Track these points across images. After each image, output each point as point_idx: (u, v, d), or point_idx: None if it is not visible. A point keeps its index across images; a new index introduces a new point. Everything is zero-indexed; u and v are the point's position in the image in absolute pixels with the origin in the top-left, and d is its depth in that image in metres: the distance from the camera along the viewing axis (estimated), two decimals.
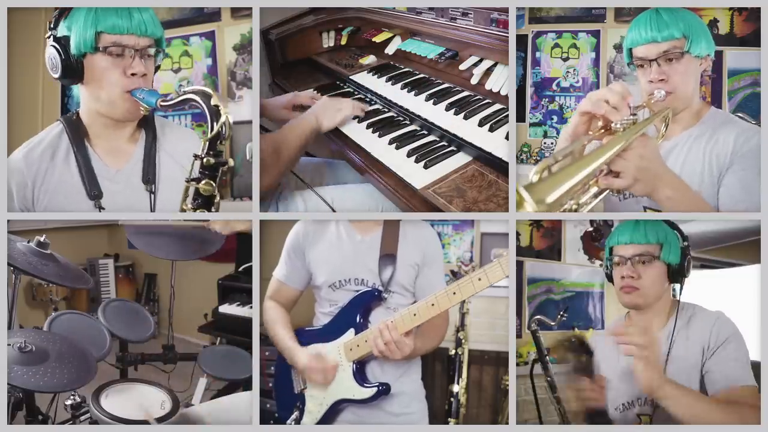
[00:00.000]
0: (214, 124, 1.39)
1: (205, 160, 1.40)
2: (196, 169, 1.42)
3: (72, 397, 1.72)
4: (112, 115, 1.55)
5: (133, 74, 1.48)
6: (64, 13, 1.49)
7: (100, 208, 1.56)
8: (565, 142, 1.47)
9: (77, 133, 1.57)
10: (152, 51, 1.52)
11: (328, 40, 2.45)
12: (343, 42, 2.46)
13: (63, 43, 1.47)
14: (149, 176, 1.61)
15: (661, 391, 1.33)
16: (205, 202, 1.43)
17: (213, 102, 1.40)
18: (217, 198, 1.44)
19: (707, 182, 1.58)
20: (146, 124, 1.65)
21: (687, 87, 1.58)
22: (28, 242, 1.74)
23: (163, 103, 1.45)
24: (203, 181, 1.41)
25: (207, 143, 1.41)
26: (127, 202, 1.60)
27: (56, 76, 1.50)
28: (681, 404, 1.34)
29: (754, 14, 2.09)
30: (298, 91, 2.11)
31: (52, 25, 1.50)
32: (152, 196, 1.61)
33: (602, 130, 1.38)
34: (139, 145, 1.64)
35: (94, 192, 1.55)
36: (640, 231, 1.54)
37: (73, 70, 1.48)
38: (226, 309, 2.68)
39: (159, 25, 1.54)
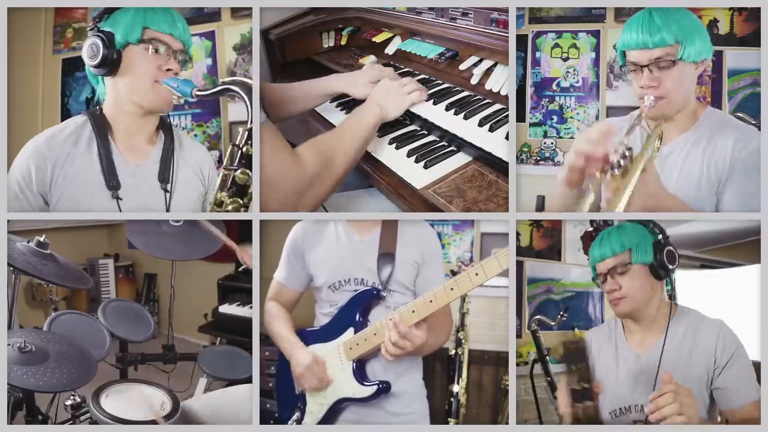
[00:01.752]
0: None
1: (245, 149, 1.47)
2: (235, 158, 1.48)
3: (72, 397, 1.72)
4: (142, 103, 1.61)
5: (168, 70, 1.58)
6: (105, 14, 1.59)
7: (118, 198, 1.61)
8: (561, 187, 1.44)
9: (102, 126, 1.64)
10: (183, 57, 1.62)
11: (328, 40, 2.45)
12: (343, 42, 2.46)
13: (107, 35, 1.55)
14: (165, 175, 1.67)
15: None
16: (239, 191, 1.49)
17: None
18: (251, 188, 1.51)
19: (705, 189, 1.56)
20: (164, 127, 1.72)
21: (679, 93, 1.55)
22: (28, 242, 1.74)
23: (198, 92, 1.52)
24: (240, 170, 1.48)
25: (246, 133, 1.48)
26: (142, 197, 1.65)
27: (93, 63, 1.57)
28: None
29: (754, 14, 2.09)
30: (382, 65, 2.02)
31: (97, 20, 1.59)
32: (167, 195, 1.67)
33: (601, 173, 1.34)
34: (157, 146, 1.70)
35: (112, 182, 1.61)
36: (607, 245, 1.55)
37: (111, 60, 1.56)
38: (226, 309, 2.68)
39: (190, 36, 1.64)
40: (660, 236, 1.53)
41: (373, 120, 1.72)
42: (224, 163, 1.50)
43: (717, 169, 1.55)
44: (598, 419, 1.53)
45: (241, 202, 1.50)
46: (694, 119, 1.61)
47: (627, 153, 1.32)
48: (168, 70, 1.57)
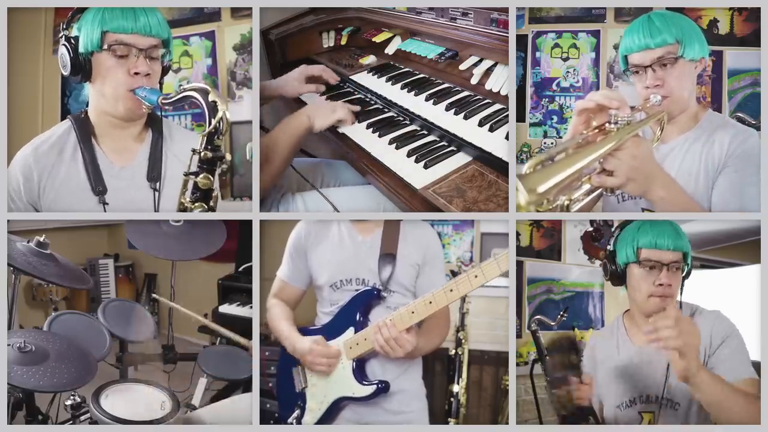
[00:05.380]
0: (212, 119, 1.41)
1: (202, 154, 1.43)
2: (194, 164, 1.44)
3: (72, 397, 1.72)
4: (115, 114, 1.58)
5: (136, 73, 1.51)
6: (76, 15, 1.54)
7: (104, 203, 1.59)
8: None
9: (85, 130, 1.61)
10: (159, 52, 1.56)
11: (328, 40, 2.44)
12: (343, 42, 2.45)
13: (73, 42, 1.51)
14: (154, 174, 1.64)
15: (697, 378, 1.30)
16: (203, 196, 1.46)
17: (211, 98, 1.41)
18: (216, 192, 1.47)
19: (702, 184, 1.59)
20: (153, 123, 1.68)
21: (682, 91, 1.59)
22: (28, 242, 1.74)
23: (164, 101, 1.47)
24: (201, 175, 1.44)
25: (205, 138, 1.43)
26: (131, 199, 1.62)
27: (66, 73, 1.54)
28: (713, 391, 1.32)
29: (754, 14, 2.09)
30: (306, 65, 2.11)
31: (65, 26, 1.54)
32: (156, 194, 1.63)
33: (596, 130, 1.39)
34: (145, 143, 1.66)
35: (99, 188, 1.59)
36: (681, 239, 1.54)
37: (81, 69, 1.52)
38: (226, 309, 2.68)
39: (166, 26, 1.57)
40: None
41: (302, 127, 1.82)
42: (184, 170, 1.47)
43: (713, 163, 1.58)
44: (577, 407, 1.54)
45: (207, 206, 1.46)
46: (695, 121, 1.65)
47: (628, 118, 1.38)
48: (136, 73, 1.51)
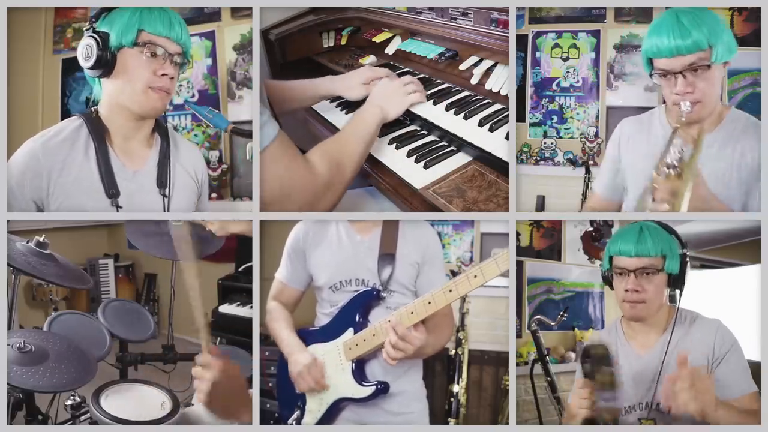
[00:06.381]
0: None
1: None
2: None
3: (72, 397, 1.72)
4: (134, 109, 1.58)
5: (163, 74, 1.55)
6: (103, 13, 1.57)
7: (117, 207, 1.59)
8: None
9: (98, 130, 1.60)
10: (180, 60, 1.59)
11: (328, 40, 2.45)
12: (343, 42, 2.46)
13: (102, 36, 1.53)
14: (163, 180, 1.65)
15: (715, 415, 1.31)
16: None
17: None
18: None
19: (735, 189, 1.58)
20: (160, 130, 1.70)
21: (713, 95, 1.54)
22: (28, 242, 1.74)
23: (233, 130, 1.69)
24: None
25: None
26: (141, 203, 1.63)
27: (88, 65, 1.55)
28: (727, 420, 1.35)
29: (754, 14, 2.09)
30: (371, 65, 2.03)
31: (93, 20, 1.57)
32: (166, 199, 1.65)
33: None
34: (154, 149, 1.67)
35: (112, 191, 1.58)
36: (645, 243, 1.51)
37: (105, 62, 1.54)
38: (226, 309, 2.68)
39: (189, 37, 1.62)
40: (684, 249, 1.53)
41: (375, 121, 1.74)
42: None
43: (748, 169, 1.57)
44: (617, 421, 1.51)
45: None
46: (718, 120, 1.61)
47: (681, 154, 1.35)
48: (163, 74, 1.54)
